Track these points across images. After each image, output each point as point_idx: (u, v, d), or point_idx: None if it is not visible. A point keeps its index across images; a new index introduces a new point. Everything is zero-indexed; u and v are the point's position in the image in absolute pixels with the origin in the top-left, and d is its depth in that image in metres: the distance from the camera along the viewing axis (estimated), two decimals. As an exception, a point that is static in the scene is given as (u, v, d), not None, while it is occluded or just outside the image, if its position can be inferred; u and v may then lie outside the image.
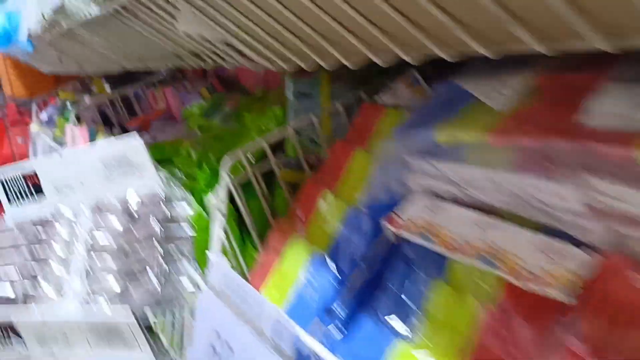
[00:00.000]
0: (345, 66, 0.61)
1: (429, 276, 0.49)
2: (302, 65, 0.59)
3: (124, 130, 1.60)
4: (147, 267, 0.44)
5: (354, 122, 0.69)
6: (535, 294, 0.39)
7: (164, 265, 0.45)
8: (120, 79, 1.86)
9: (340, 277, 0.56)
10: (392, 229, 0.52)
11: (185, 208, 0.47)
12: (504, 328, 0.40)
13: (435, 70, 0.72)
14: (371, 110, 0.67)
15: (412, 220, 0.51)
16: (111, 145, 0.47)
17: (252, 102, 1.11)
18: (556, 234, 0.40)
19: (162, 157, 1.10)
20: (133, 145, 0.47)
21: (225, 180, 0.69)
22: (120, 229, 0.46)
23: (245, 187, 0.75)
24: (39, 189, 0.50)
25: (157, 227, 0.46)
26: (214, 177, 0.85)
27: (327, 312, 0.56)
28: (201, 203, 0.87)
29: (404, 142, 0.52)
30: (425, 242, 0.48)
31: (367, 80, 0.77)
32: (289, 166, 0.74)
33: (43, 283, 0.46)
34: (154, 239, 0.46)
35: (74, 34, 1.19)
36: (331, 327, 0.55)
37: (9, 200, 0.49)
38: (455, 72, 0.63)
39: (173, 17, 0.67)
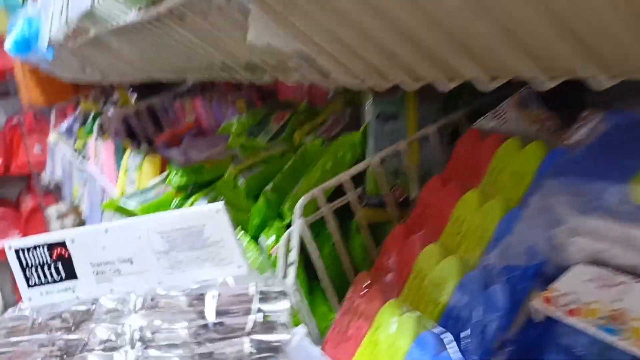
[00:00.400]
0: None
1: (611, 382, 0.35)
2: (412, 85, 0.45)
3: (151, 144, 1.48)
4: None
5: (457, 152, 0.56)
6: None
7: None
8: (144, 88, 1.74)
9: (464, 364, 0.43)
10: (550, 310, 0.38)
11: (283, 305, 0.34)
12: None
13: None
14: (480, 138, 0.54)
15: (581, 300, 0.37)
16: (181, 217, 0.34)
17: (301, 119, 0.98)
18: None
19: (201, 181, 0.98)
20: (210, 217, 0.33)
21: (299, 226, 0.56)
22: (188, 337, 0.33)
23: (312, 227, 0.62)
24: (68, 266, 0.37)
25: (247, 345, 0.33)
26: (271, 212, 0.72)
27: (447, 412, 0.43)
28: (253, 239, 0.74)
29: (564, 191, 0.38)
30: (610, 336, 0.35)
31: (459, 99, 0.64)
32: (369, 204, 0.61)
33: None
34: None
35: (101, 41, 1.07)
36: None
37: (27, 281, 0.36)
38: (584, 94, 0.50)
39: (235, 22, 0.54)
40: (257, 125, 1.01)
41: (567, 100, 0.55)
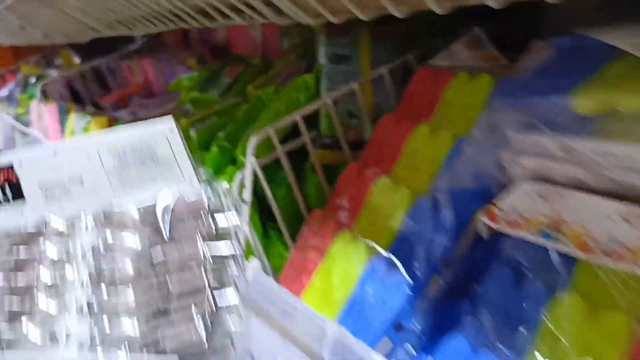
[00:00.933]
0: (387, 23, 0.48)
1: (549, 285, 0.37)
2: (363, 15, 0.46)
3: (98, 107, 1.43)
4: (190, 308, 0.31)
5: (408, 90, 0.57)
6: None
7: (213, 303, 0.32)
8: (89, 49, 1.67)
9: (412, 284, 0.44)
10: (494, 225, 0.40)
11: (232, 219, 0.34)
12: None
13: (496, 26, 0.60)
14: (432, 75, 0.55)
15: (523, 213, 0.39)
16: (131, 133, 0.34)
17: (254, 72, 0.97)
18: None
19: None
20: (164, 133, 0.33)
21: (251, 164, 0.55)
22: (140, 249, 0.33)
23: (266, 172, 0.62)
24: (15, 189, 0.35)
25: (201, 249, 0.33)
26: (224, 159, 0.72)
27: (398, 329, 0.45)
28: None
29: (508, 112, 0.40)
30: (549, 242, 0.37)
31: (412, 41, 0.65)
32: (323, 145, 0.61)
33: (26, 323, 0.32)
34: (202, 267, 0.33)
35: (41, -8, 1.02)
36: (404, 348, 0.43)
37: (-25, 204, 0.34)
38: (536, 29, 0.52)
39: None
40: (209, 79, 0.99)
41: (519, 43, 0.57)
